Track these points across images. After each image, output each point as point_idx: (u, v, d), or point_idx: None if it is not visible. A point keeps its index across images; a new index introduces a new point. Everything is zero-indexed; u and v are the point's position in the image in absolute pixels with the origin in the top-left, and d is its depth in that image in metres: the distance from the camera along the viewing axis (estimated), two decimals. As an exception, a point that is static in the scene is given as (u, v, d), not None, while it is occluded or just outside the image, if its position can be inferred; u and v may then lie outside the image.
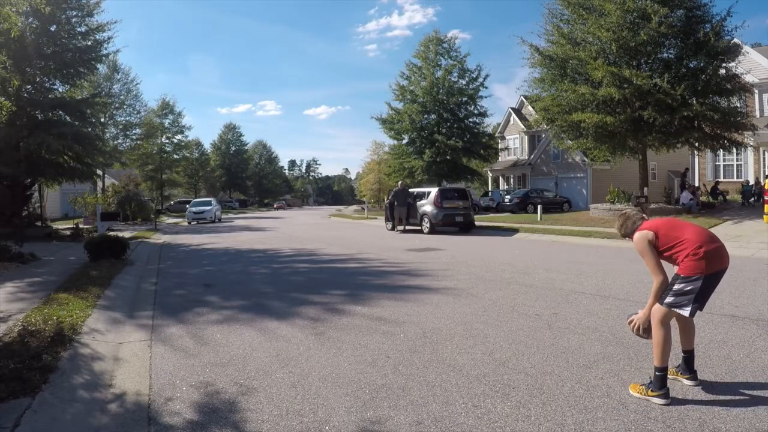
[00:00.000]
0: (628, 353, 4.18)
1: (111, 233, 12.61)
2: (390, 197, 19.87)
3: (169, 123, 49.54)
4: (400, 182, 23.24)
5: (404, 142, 34.94)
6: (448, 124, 33.20)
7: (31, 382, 3.41)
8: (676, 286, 3.26)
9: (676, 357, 4.02)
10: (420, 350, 4.43)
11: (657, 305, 3.33)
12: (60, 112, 17.60)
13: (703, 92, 16.91)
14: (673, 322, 3.43)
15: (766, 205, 14.07)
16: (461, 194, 18.69)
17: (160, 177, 48.92)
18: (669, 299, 3.28)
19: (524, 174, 36.54)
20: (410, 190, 19.66)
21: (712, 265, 3.21)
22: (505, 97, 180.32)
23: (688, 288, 3.21)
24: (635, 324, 3.48)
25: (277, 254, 12.79)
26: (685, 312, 3.24)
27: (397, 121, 33.69)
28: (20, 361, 3.77)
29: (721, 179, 23.38)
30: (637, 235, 3.43)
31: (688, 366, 3.51)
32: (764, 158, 22.07)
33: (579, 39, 18.60)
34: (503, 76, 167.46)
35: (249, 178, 79.39)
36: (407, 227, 18.92)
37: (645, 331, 3.44)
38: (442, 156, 32.05)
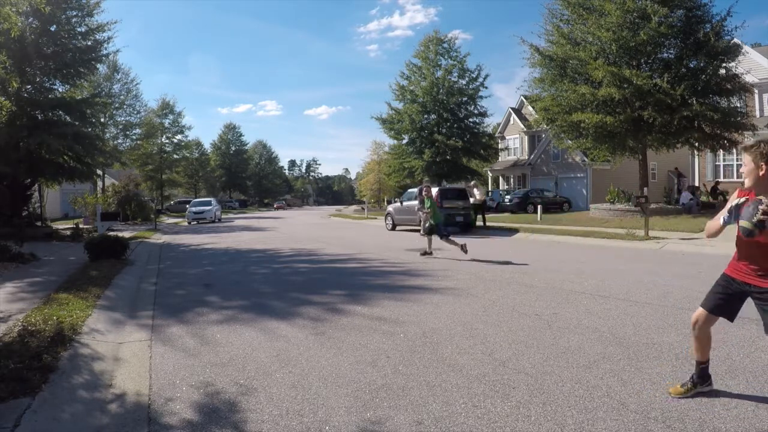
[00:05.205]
0: (628, 353, 4.18)
1: (111, 233, 12.60)
2: (416, 197, 18.30)
3: (169, 123, 49.56)
4: (426, 179, 22.12)
5: (404, 142, 34.91)
6: (448, 124, 33.19)
7: (31, 382, 3.41)
8: None
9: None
10: (420, 350, 4.42)
11: None
12: (60, 112, 17.58)
13: (703, 92, 16.93)
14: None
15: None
16: (461, 194, 18.65)
17: (160, 177, 48.91)
18: None
19: (524, 174, 36.55)
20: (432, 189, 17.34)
21: None
22: (505, 97, 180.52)
23: None
24: None
25: (277, 254, 12.79)
26: None
27: (397, 121, 33.67)
28: (20, 361, 3.76)
29: (721, 179, 23.36)
30: None
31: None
32: (764, 158, 22.02)
33: (579, 39, 18.63)
34: (503, 76, 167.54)
35: (249, 178, 79.45)
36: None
37: None
38: (442, 156, 32.05)
